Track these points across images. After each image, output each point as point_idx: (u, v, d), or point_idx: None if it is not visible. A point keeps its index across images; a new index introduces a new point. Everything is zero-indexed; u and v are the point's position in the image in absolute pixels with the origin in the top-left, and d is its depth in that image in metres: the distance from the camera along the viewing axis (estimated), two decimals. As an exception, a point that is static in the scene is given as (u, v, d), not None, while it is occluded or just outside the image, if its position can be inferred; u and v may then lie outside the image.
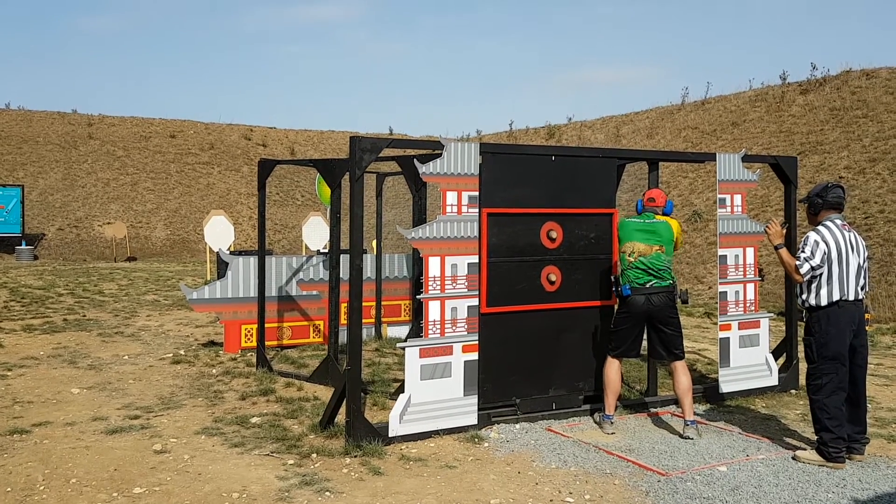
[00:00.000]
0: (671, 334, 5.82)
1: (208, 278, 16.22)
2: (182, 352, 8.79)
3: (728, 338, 6.77)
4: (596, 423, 5.97)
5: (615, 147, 22.07)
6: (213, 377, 7.54)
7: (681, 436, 5.67)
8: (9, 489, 4.55)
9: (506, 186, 5.90)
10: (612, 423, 5.83)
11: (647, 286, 5.72)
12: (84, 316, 11.53)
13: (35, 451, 5.25)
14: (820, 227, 5.24)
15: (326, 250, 13.69)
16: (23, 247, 23.33)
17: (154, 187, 28.86)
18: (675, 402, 6.21)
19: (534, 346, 6.04)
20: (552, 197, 6.10)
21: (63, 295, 14.08)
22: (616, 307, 5.99)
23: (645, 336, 5.92)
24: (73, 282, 16.37)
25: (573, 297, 6.16)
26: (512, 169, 5.97)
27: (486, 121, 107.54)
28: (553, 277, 6.09)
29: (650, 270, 5.73)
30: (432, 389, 5.50)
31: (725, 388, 6.72)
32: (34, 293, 14.18)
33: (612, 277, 5.99)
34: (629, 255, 5.77)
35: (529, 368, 6.02)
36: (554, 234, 6.10)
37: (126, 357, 8.54)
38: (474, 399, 5.70)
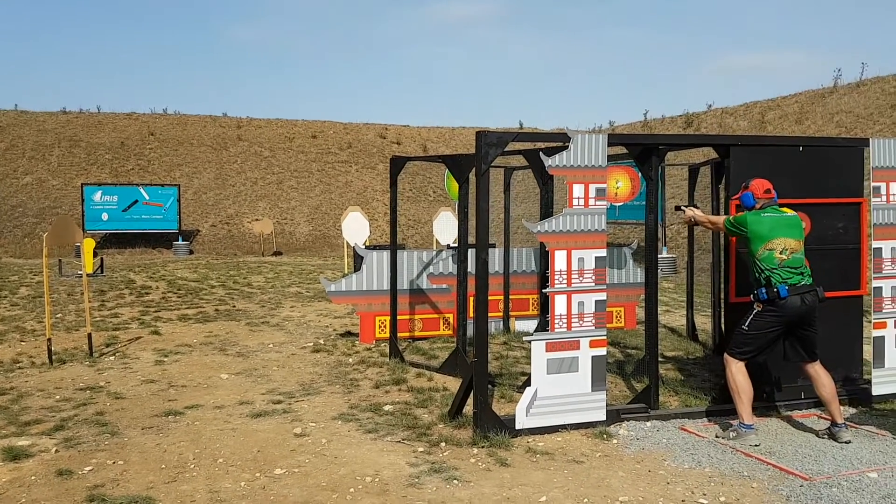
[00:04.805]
0: (813, 335, 5.48)
1: (346, 272, 16.90)
2: (322, 341, 9.23)
3: (882, 336, 6.27)
4: (731, 438, 5.38)
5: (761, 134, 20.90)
6: (350, 366, 7.87)
7: (835, 440, 5.32)
8: (163, 466, 4.97)
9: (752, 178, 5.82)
10: (756, 433, 5.37)
11: (799, 285, 5.37)
12: (233, 307, 12.36)
13: (187, 431, 5.70)
14: None
15: (455, 245, 13.89)
16: (179, 242, 25.33)
17: (297, 185, 30.37)
18: (816, 404, 5.86)
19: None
20: (799, 187, 6.09)
21: (215, 287, 15.14)
22: (756, 309, 5.46)
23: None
24: (224, 275, 17.55)
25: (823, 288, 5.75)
26: (760, 161, 6.03)
27: (620, 111, 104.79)
28: None
29: (799, 269, 5.39)
30: (559, 384, 5.48)
31: (879, 390, 6.24)
32: (189, 285, 15.34)
33: (758, 278, 5.45)
34: (780, 253, 5.38)
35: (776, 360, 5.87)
36: (803, 225, 5.90)
37: (271, 345, 9.08)
38: (602, 395, 5.62)
